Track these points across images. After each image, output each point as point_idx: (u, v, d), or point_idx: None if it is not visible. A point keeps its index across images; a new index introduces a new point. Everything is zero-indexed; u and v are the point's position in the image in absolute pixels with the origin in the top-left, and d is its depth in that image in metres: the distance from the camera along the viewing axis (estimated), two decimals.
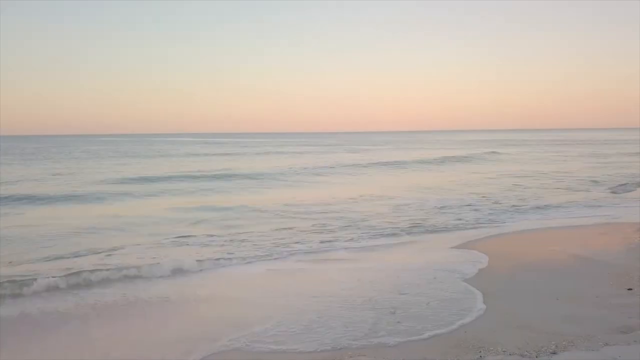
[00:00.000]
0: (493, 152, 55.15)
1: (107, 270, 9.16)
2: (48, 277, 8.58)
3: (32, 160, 47.76)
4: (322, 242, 11.94)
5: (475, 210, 16.28)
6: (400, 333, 6.22)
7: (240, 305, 7.62)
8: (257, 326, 6.59)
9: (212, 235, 12.72)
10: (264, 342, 6.13)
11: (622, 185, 23.03)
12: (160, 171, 33.39)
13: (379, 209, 16.75)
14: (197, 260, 9.94)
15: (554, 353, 5.37)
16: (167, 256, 10.38)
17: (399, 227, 13.53)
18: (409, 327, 6.40)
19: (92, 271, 9.03)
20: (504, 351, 5.47)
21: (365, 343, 5.94)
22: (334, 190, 22.92)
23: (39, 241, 12.02)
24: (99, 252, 10.86)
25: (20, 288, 8.16)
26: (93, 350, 6.05)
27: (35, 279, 8.44)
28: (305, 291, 8.21)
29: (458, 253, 10.52)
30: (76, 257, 10.48)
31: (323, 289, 8.24)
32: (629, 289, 7.53)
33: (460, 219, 14.66)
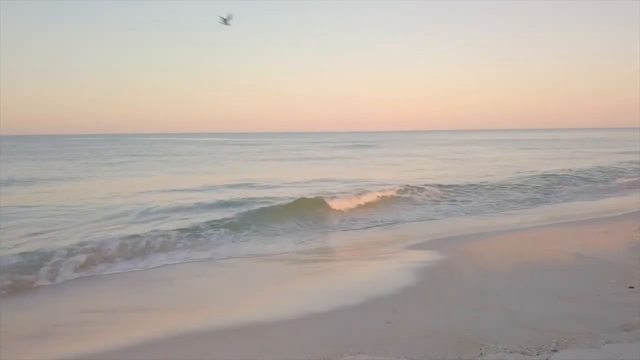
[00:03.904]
0: None
1: None
2: None
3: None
4: None
5: None
6: (400, 331, 6.18)
7: None
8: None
9: None
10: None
11: None
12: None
13: None
14: None
15: (555, 350, 5.33)
16: None
17: None
18: (409, 326, 6.36)
19: None
20: (504, 349, 5.44)
21: (365, 342, 5.91)
22: None
23: None
24: None
25: None
26: None
27: None
28: (297, 289, 8.17)
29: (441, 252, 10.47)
30: None
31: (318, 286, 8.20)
32: (630, 287, 7.50)
33: None
